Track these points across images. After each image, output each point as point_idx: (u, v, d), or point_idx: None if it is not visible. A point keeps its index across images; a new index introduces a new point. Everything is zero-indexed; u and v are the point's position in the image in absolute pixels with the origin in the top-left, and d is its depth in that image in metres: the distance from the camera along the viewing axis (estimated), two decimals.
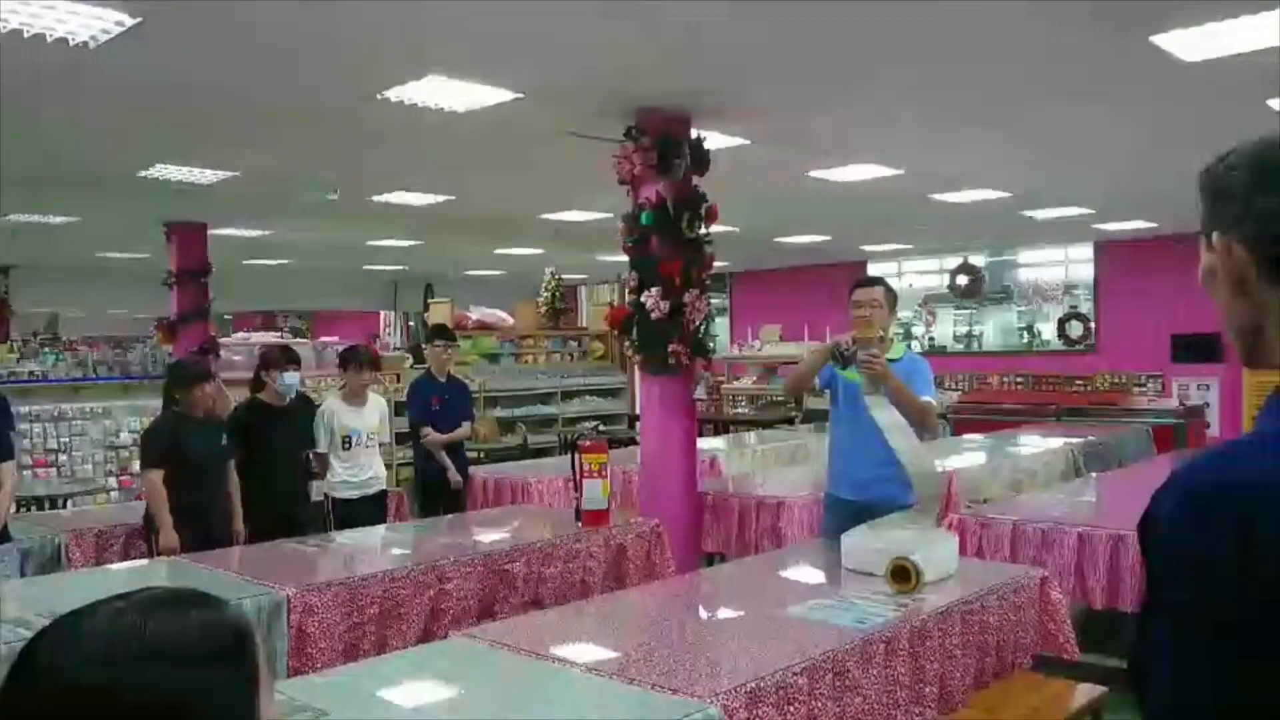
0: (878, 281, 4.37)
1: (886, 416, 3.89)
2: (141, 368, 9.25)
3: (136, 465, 8.21)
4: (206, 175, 7.35)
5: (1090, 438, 8.43)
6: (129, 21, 3.99)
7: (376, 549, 4.71)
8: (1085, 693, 3.48)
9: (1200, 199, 1.06)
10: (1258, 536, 0.83)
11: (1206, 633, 0.85)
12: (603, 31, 4.35)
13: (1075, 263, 13.48)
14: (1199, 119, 6.05)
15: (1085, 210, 10.19)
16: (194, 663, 0.85)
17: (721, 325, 16.10)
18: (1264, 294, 0.99)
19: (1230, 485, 0.88)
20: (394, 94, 5.15)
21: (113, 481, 8.58)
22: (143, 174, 7.20)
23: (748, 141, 6.44)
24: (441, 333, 6.97)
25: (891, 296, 4.31)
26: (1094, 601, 4.43)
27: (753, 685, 2.52)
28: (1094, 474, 7.21)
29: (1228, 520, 0.85)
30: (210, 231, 9.91)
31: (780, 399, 12.49)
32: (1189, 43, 4.57)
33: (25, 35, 4.03)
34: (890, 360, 4.14)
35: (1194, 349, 11.94)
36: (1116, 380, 12.93)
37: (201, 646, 0.86)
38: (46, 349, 9.65)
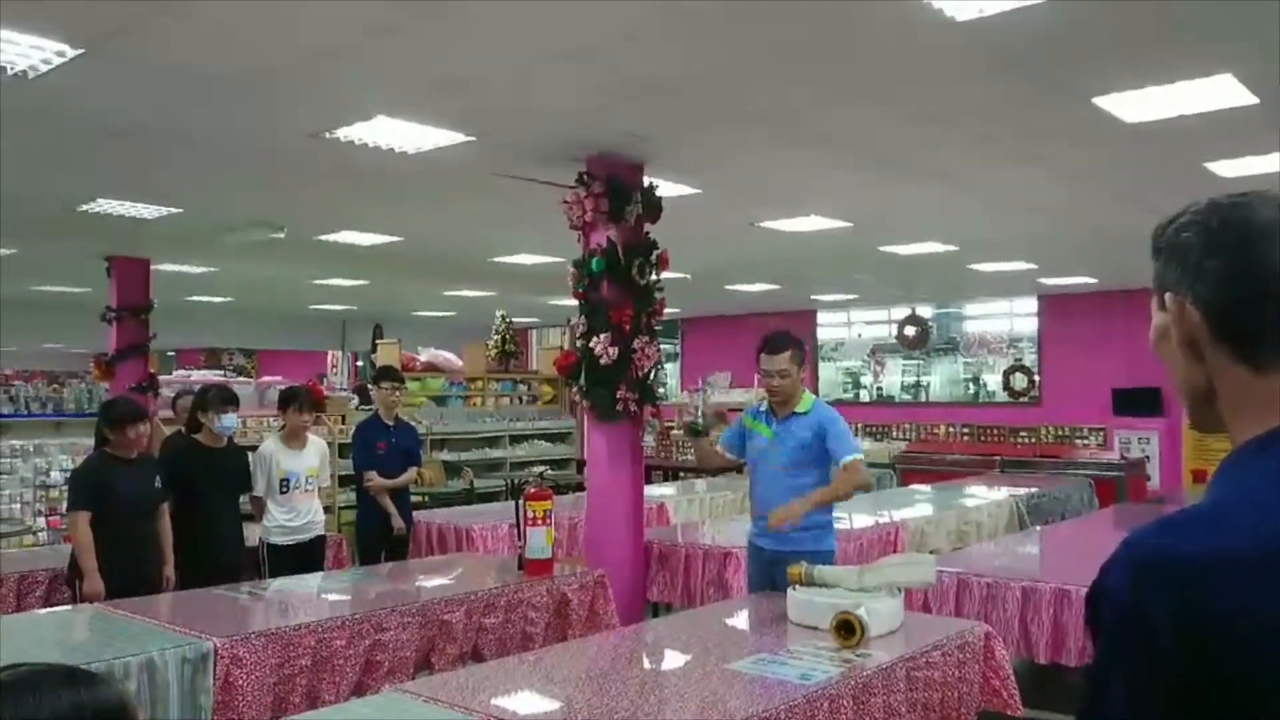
0: (784, 345, 4.23)
1: (871, 601, 3.58)
2: (76, 405, 8.99)
3: (65, 506, 7.95)
4: (149, 210, 7.21)
5: (1034, 489, 8.50)
6: (70, 53, 3.91)
7: (311, 597, 4.56)
8: None
9: (1152, 259, 1.06)
10: (1200, 611, 0.82)
11: (1155, 706, 0.84)
12: (553, 78, 4.36)
13: (1020, 316, 13.73)
14: (1138, 179, 6.20)
15: (1028, 265, 10.39)
16: None
17: (672, 371, 16.12)
18: (1215, 356, 0.98)
19: (1175, 559, 0.86)
20: (342, 133, 5.10)
21: (41, 522, 8.28)
22: (83, 208, 7.05)
23: (699, 190, 6.47)
24: (389, 374, 6.81)
25: (799, 355, 4.26)
26: (1038, 656, 4.41)
27: None
28: (1038, 526, 7.26)
29: (1171, 594, 0.83)
30: (153, 267, 9.71)
31: None
32: (1130, 105, 4.69)
33: None
34: (798, 413, 4.22)
35: (1135, 402, 12.19)
36: (1060, 432, 13.12)
37: None
38: None
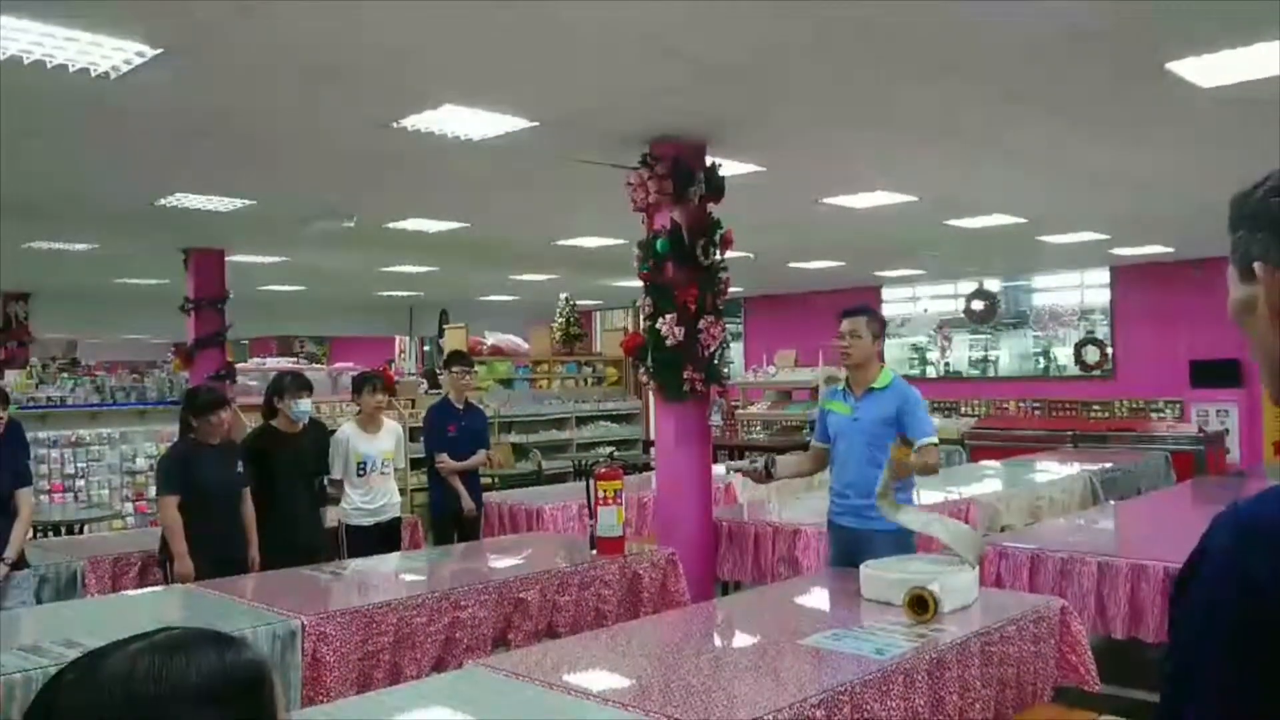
0: (859, 311, 4.35)
1: (918, 520, 3.93)
2: (158, 393, 9.28)
3: (152, 491, 8.23)
4: (224, 203, 7.41)
5: (1108, 465, 8.36)
6: (150, 52, 4.03)
7: (391, 576, 4.70)
8: None
9: (1231, 228, 1.01)
10: None
11: (1253, 663, 0.84)
12: (617, 62, 4.38)
13: (1091, 287, 13.44)
14: (1215, 145, 6.04)
15: (1100, 235, 10.17)
16: (212, 704, 0.85)
17: (736, 350, 16.10)
18: None
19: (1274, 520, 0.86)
20: (410, 122, 5.19)
21: (129, 507, 8.59)
22: (161, 202, 7.27)
23: (762, 168, 6.45)
24: (459, 358, 6.92)
25: (875, 324, 4.32)
26: (1115, 632, 4.37)
27: (770, 717, 2.49)
28: (1113, 502, 7.14)
29: (1273, 558, 0.84)
30: (228, 258, 9.98)
31: (796, 424, 12.45)
32: (1205, 69, 4.57)
33: (48, 66, 4.09)
34: (876, 389, 4.24)
35: (1213, 374, 11.87)
36: (1134, 406, 12.84)
37: (219, 688, 0.86)
38: (65, 374, 9.70)
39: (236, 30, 3.89)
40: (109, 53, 4.02)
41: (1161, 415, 12.55)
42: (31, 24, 3.71)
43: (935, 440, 4.15)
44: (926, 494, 6.55)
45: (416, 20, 3.81)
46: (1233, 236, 1.01)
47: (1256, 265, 0.97)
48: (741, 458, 10.86)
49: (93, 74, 4.22)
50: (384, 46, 4.12)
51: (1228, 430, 11.83)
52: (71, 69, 4.15)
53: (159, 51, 4.03)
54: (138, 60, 4.11)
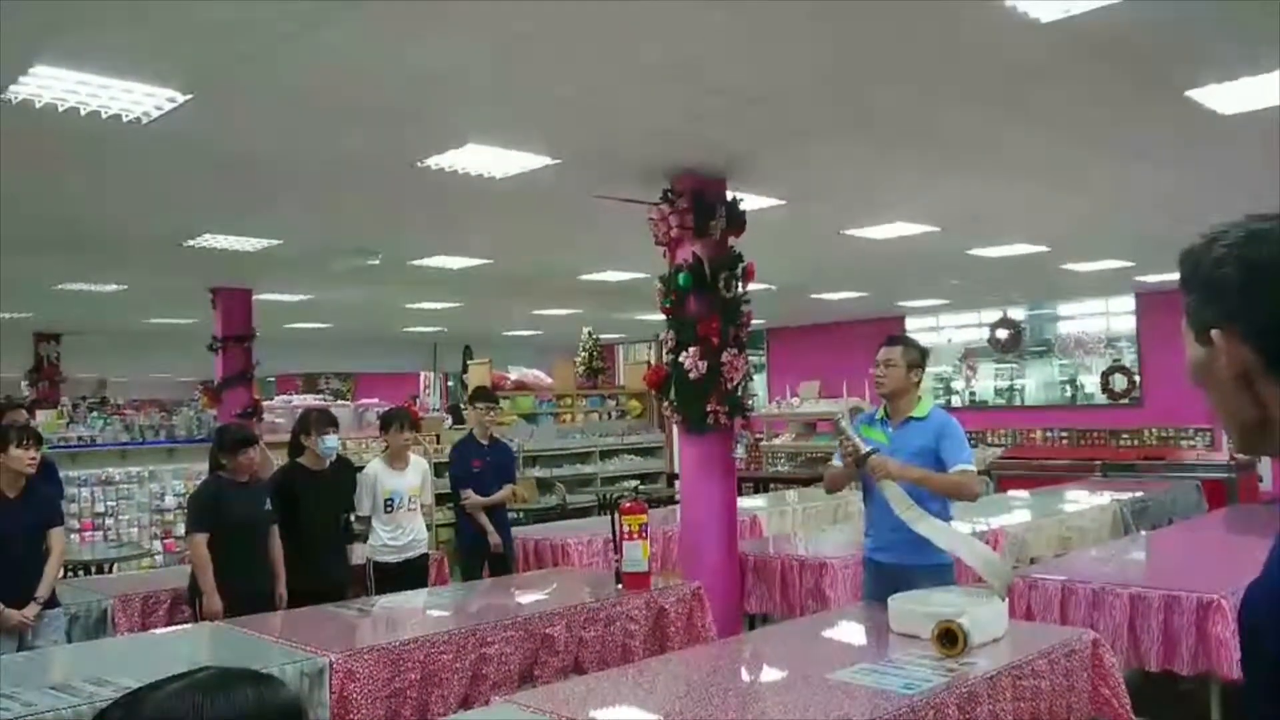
0: (897, 341, 4.27)
1: (927, 527, 3.83)
2: (186, 431, 9.37)
3: (180, 529, 8.29)
4: (251, 243, 7.52)
5: (1138, 493, 8.26)
6: (180, 98, 4.12)
7: (418, 613, 4.70)
8: None
9: (1183, 288, 1.04)
10: None
11: None
12: (637, 98, 4.43)
13: (1117, 315, 13.35)
14: (1238, 171, 6.02)
15: (1124, 263, 10.11)
16: None
17: (759, 382, 16.08)
18: (1271, 389, 0.97)
19: None
20: (434, 162, 5.26)
21: (157, 545, 8.66)
22: (190, 243, 7.38)
23: (783, 201, 6.49)
24: (483, 395, 6.97)
25: (913, 354, 4.20)
26: (1148, 664, 4.31)
27: None
28: (1144, 531, 7.06)
29: None
30: (254, 296, 10.10)
31: (821, 456, 12.40)
32: (1225, 96, 4.57)
33: (82, 113, 4.18)
34: (916, 419, 4.13)
35: None
36: (1164, 434, 12.70)
37: None
38: (95, 413, 9.82)
39: (264, 74, 3.97)
40: (140, 99, 4.11)
41: (1192, 443, 12.40)
42: (66, 72, 3.81)
43: (972, 467, 4.03)
44: (955, 526, 6.50)
45: (440, 61, 3.88)
46: (1185, 297, 1.05)
47: (1214, 334, 1.00)
48: (766, 489, 10.83)
49: (124, 120, 4.32)
50: (408, 87, 4.19)
51: (1260, 458, 11.67)
52: (104, 115, 4.24)
53: (189, 97, 4.11)
54: (169, 106, 4.20)
